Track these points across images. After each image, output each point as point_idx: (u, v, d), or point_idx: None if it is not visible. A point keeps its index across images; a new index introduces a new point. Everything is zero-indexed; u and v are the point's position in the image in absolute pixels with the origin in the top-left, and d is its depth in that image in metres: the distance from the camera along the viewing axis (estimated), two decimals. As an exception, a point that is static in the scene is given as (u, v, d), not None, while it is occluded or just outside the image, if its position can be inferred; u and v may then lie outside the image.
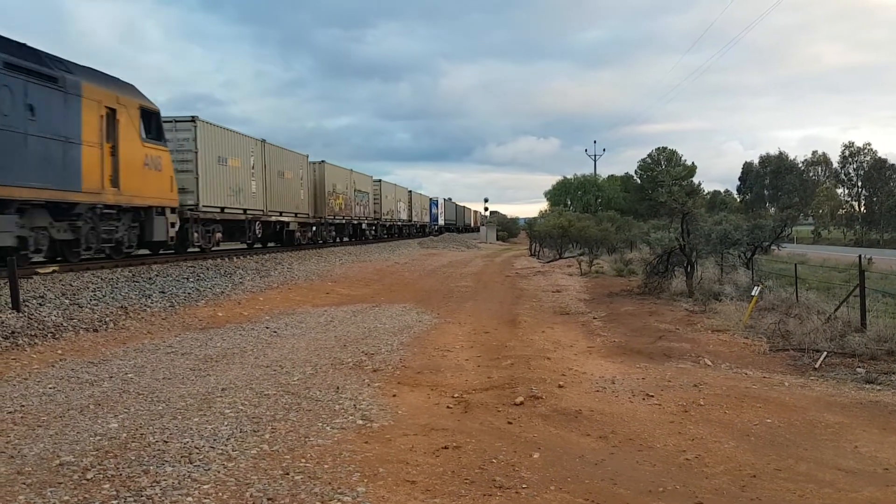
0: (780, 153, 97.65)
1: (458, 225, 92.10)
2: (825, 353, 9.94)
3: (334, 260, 27.48)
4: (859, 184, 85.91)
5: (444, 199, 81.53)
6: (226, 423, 6.22)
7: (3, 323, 10.11)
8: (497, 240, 73.24)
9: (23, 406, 6.75)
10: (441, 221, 77.26)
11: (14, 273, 11.16)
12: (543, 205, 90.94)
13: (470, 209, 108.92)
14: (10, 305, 10.96)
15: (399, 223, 55.07)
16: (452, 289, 20.23)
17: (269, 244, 29.95)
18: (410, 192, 60.45)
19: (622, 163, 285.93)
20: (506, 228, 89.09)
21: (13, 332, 9.86)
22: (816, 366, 9.46)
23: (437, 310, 15.06)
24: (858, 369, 9.20)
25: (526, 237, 64.46)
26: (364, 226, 44.00)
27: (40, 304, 11.57)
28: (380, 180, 47.66)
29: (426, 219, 68.51)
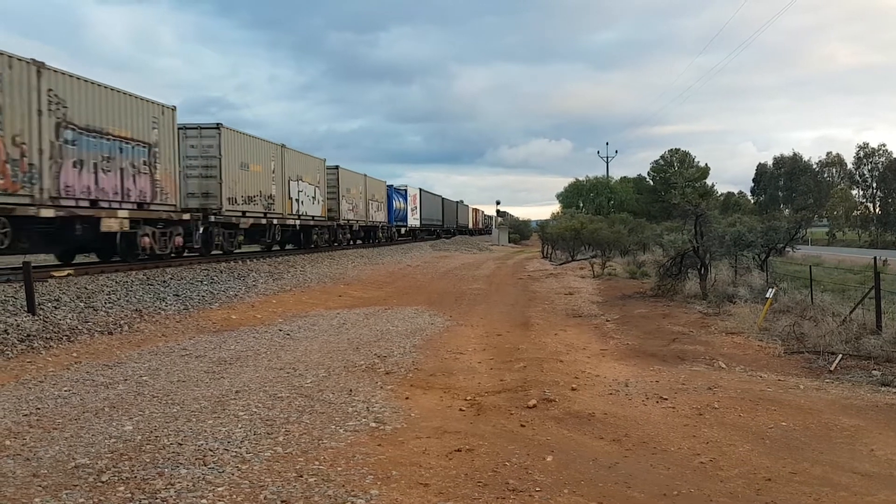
0: (795, 154, 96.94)
1: (448, 226, 71.68)
2: (840, 355, 9.86)
3: (346, 263, 27.55)
4: (874, 185, 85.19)
5: (420, 190, 57.59)
6: (240, 426, 6.24)
7: (18, 326, 10.20)
8: (509, 242, 73.18)
9: (38, 409, 6.80)
10: (413, 221, 55.35)
11: (29, 276, 11.25)
12: (555, 207, 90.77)
13: (469, 207, 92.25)
14: (26, 309, 11.06)
15: (299, 222, 29.39)
16: (464, 291, 20.22)
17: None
18: (337, 168, 35.61)
19: (635, 164, 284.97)
20: (518, 230, 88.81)
21: (29, 335, 9.95)
22: (832, 368, 9.38)
23: (450, 312, 15.07)
24: (874, 372, 9.12)
25: (538, 239, 64.21)
26: (119, 223, 16.67)
27: (55, 308, 11.66)
28: (217, 126, 22.13)
29: (379, 217, 44.50)
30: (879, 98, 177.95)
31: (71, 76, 15.15)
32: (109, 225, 16.35)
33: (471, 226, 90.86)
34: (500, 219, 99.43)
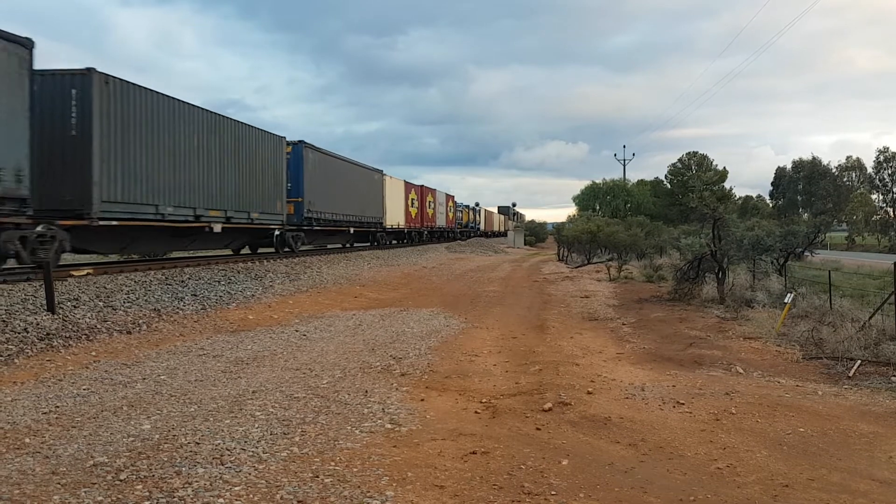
0: (814, 158, 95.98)
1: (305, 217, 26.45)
2: (859, 361, 9.77)
3: (363, 264, 27.61)
4: (894, 189, 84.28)
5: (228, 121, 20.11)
6: (256, 426, 6.28)
7: (38, 325, 10.30)
8: (525, 244, 73.03)
9: (57, 407, 6.87)
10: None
11: (49, 276, 11.37)
12: (572, 209, 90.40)
13: (408, 185, 44.82)
14: (46, 307, 11.17)
15: None
16: (480, 293, 20.20)
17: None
18: None
19: (652, 167, 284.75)
20: (533, 233, 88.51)
21: (48, 334, 10.05)
22: (850, 374, 9.29)
23: (465, 314, 15.06)
24: (893, 378, 9.02)
25: (554, 242, 63.95)
26: None
27: (75, 307, 11.77)
28: None
29: None
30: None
31: None
32: None
33: (413, 222, 46.37)
34: (502, 216, 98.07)
